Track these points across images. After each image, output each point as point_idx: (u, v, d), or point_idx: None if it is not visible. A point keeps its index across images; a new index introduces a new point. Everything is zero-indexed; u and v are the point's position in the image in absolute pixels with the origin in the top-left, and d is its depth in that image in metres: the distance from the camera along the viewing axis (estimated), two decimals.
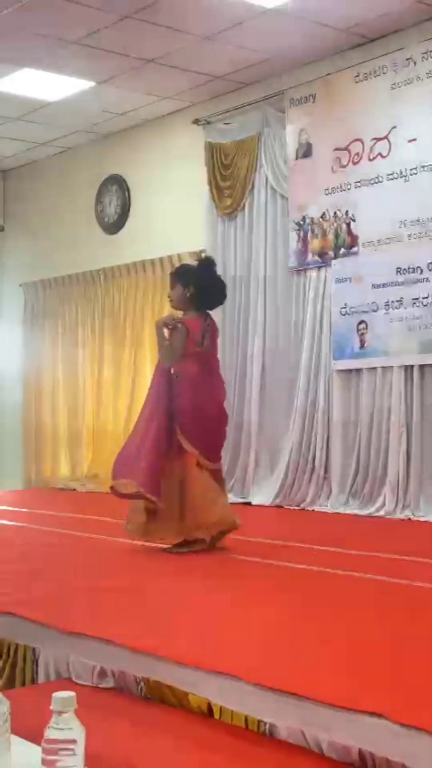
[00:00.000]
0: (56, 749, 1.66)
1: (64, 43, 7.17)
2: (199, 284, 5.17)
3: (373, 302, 7.07)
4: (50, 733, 1.67)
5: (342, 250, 7.35)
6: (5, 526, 6.55)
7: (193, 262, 5.64)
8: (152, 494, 4.94)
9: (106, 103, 8.63)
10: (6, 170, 10.85)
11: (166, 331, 5.15)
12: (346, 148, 7.30)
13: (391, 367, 6.98)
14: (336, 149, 7.37)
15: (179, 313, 5.31)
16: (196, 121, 8.46)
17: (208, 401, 5.20)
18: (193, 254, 8.54)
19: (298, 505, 7.48)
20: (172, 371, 5.15)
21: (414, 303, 6.82)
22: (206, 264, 5.41)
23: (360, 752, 2.21)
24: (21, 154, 10.22)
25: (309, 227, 7.58)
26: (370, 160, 7.13)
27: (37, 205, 10.50)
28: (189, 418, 5.07)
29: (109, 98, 8.46)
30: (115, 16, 6.69)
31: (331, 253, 7.41)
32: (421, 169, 6.79)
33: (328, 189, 7.43)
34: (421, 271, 6.77)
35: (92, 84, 8.09)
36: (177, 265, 8.52)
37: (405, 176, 6.91)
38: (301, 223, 7.64)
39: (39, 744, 1.69)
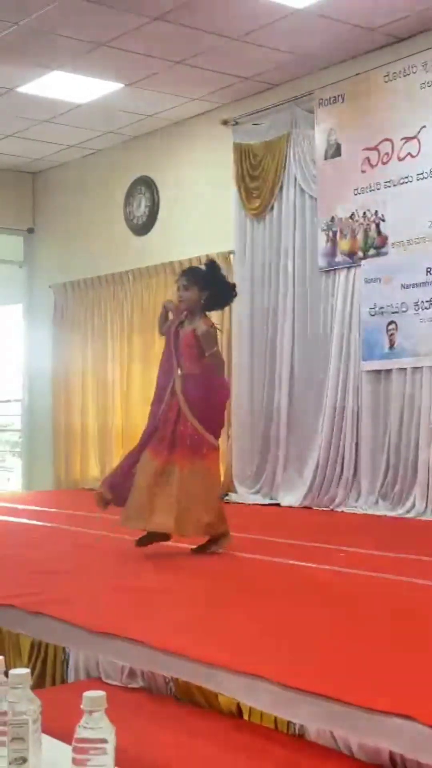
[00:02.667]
0: (87, 748, 1.67)
1: (94, 45, 7.20)
2: (215, 288, 5.23)
3: (403, 302, 7.04)
4: (81, 733, 1.68)
5: (371, 251, 7.32)
6: (35, 526, 6.59)
7: (201, 266, 5.64)
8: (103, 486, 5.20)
9: (135, 105, 8.65)
10: (35, 172, 10.91)
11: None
12: (376, 148, 7.27)
13: (421, 367, 6.94)
14: (365, 149, 7.34)
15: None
16: (225, 122, 8.46)
17: (222, 389, 5.36)
18: (221, 255, 8.55)
19: (327, 507, 7.45)
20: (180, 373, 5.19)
21: None
22: (216, 267, 5.42)
23: (390, 754, 2.20)
24: (50, 157, 10.27)
25: (338, 227, 7.56)
26: (399, 159, 7.10)
27: (67, 207, 10.54)
28: (214, 413, 5.17)
29: (137, 100, 8.49)
30: (143, 18, 6.71)
31: (361, 254, 7.39)
32: None
33: (357, 189, 7.40)
34: None
35: (121, 86, 8.12)
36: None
37: None
38: (330, 223, 7.61)
39: (69, 743, 1.70)
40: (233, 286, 5.44)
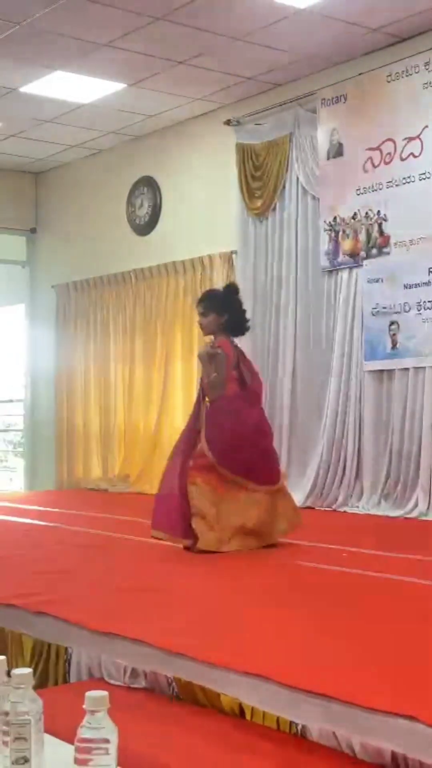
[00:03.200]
0: (89, 748, 1.67)
1: (96, 45, 7.20)
2: (234, 312, 5.25)
3: (405, 302, 7.04)
4: (83, 732, 1.68)
5: (373, 251, 7.32)
6: (37, 526, 6.59)
7: (219, 289, 5.66)
8: (184, 538, 5.10)
9: (138, 105, 8.66)
10: (38, 173, 10.92)
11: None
12: (378, 148, 7.27)
13: (423, 367, 6.94)
14: (368, 149, 7.34)
15: (209, 338, 5.38)
16: (227, 122, 8.46)
17: (246, 424, 5.21)
18: (223, 255, 8.57)
19: (329, 507, 7.45)
20: (205, 402, 5.21)
21: None
22: (235, 291, 5.45)
23: (392, 754, 2.20)
24: (53, 157, 10.28)
25: (340, 227, 7.56)
26: (402, 159, 7.09)
27: (69, 207, 10.55)
28: (227, 447, 5.11)
29: (140, 100, 8.49)
30: (146, 18, 6.71)
31: (363, 254, 7.39)
32: None
33: (359, 189, 7.40)
34: None
35: (124, 86, 8.12)
36: (207, 266, 8.61)
37: None
38: (333, 223, 7.61)
39: (72, 743, 1.70)
40: (245, 311, 5.40)
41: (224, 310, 5.22)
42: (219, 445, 5.09)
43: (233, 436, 5.13)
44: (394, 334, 7.14)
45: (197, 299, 5.49)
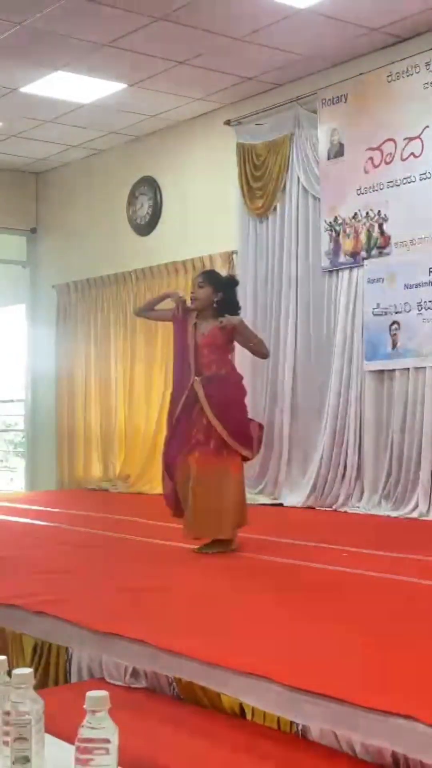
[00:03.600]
0: (90, 748, 1.67)
1: (97, 45, 7.20)
2: (227, 295, 5.29)
3: (406, 303, 7.04)
4: (84, 732, 1.68)
5: (374, 251, 7.32)
6: (38, 526, 6.59)
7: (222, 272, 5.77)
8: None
9: (138, 105, 8.66)
10: (39, 172, 10.92)
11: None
12: (379, 148, 7.27)
13: (424, 367, 6.94)
14: (368, 149, 7.34)
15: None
16: (228, 122, 8.46)
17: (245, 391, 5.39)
18: (224, 255, 8.56)
19: (330, 507, 7.45)
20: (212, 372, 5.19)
21: None
22: (235, 281, 5.57)
23: (393, 754, 2.20)
24: (54, 157, 10.28)
25: (341, 227, 7.56)
26: (402, 159, 7.09)
27: (70, 207, 10.55)
28: (241, 415, 5.25)
29: (141, 100, 8.49)
30: (146, 18, 6.71)
31: (364, 254, 7.39)
32: None
33: (360, 189, 7.40)
34: None
35: (124, 86, 8.12)
36: (208, 266, 8.59)
37: None
38: (333, 223, 7.61)
39: (73, 743, 1.70)
40: (238, 301, 5.47)
41: (220, 288, 5.26)
42: (235, 418, 5.18)
43: (244, 408, 5.32)
44: (394, 335, 7.14)
45: (198, 273, 5.61)
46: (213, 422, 5.06)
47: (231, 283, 5.45)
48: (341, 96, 7.54)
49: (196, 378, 5.14)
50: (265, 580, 4.32)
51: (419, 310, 6.95)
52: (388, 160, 7.21)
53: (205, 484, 5.04)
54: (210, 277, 5.39)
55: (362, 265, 7.40)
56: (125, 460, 9.67)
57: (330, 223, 7.64)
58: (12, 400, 11.68)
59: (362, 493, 7.33)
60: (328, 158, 7.66)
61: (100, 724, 1.68)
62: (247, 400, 5.46)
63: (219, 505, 5.04)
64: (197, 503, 5.03)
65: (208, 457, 5.07)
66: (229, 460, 5.11)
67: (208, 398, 5.09)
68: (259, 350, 5.43)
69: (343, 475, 7.46)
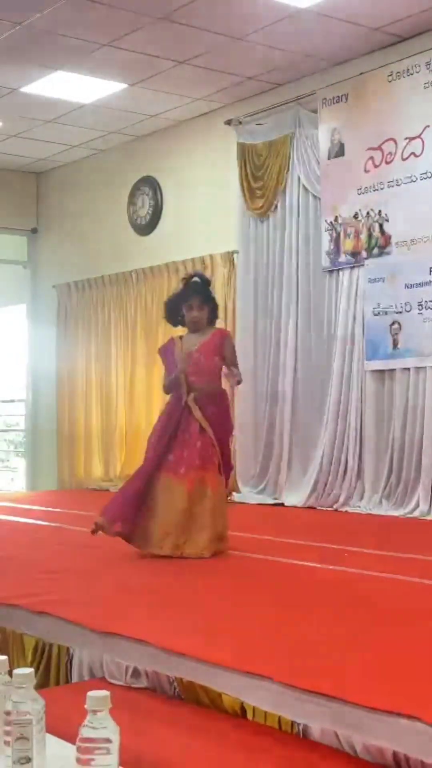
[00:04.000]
0: (91, 748, 1.67)
1: (97, 45, 7.20)
2: (214, 305, 5.25)
3: (407, 302, 7.04)
4: (85, 732, 1.68)
5: (375, 250, 7.32)
6: (39, 526, 6.59)
7: (203, 277, 5.55)
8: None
9: (139, 105, 8.66)
10: (39, 172, 10.92)
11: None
12: (379, 148, 7.27)
13: (425, 367, 6.94)
14: (369, 149, 7.34)
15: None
16: (228, 122, 8.46)
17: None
18: (225, 255, 8.56)
19: (330, 506, 7.45)
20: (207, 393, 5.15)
21: None
22: (208, 282, 5.45)
23: (394, 754, 2.20)
24: (54, 157, 10.28)
25: (341, 227, 7.56)
26: (403, 159, 7.09)
27: (70, 207, 10.55)
28: (229, 435, 5.32)
29: (141, 100, 8.49)
30: (147, 18, 6.71)
31: (364, 253, 7.38)
32: None
33: (360, 189, 7.40)
34: None
35: (125, 86, 8.13)
36: (208, 266, 8.59)
37: None
38: (334, 223, 7.61)
39: (74, 743, 1.70)
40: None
41: (212, 301, 5.23)
42: (226, 440, 5.21)
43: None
44: (395, 334, 7.14)
45: (190, 292, 5.21)
46: (209, 434, 5.04)
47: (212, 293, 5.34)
48: (342, 96, 7.54)
49: (190, 398, 5.08)
50: (266, 580, 4.32)
51: (420, 310, 6.95)
52: (388, 159, 7.21)
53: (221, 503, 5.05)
54: (208, 297, 5.21)
55: (363, 265, 7.40)
56: (126, 460, 9.66)
57: (330, 222, 7.64)
58: (13, 400, 11.68)
59: (363, 492, 7.33)
60: (329, 158, 7.66)
61: (102, 724, 1.68)
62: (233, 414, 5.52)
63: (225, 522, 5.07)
64: (216, 521, 4.98)
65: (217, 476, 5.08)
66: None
67: (203, 410, 5.07)
68: (237, 377, 5.19)
69: (344, 475, 7.46)
